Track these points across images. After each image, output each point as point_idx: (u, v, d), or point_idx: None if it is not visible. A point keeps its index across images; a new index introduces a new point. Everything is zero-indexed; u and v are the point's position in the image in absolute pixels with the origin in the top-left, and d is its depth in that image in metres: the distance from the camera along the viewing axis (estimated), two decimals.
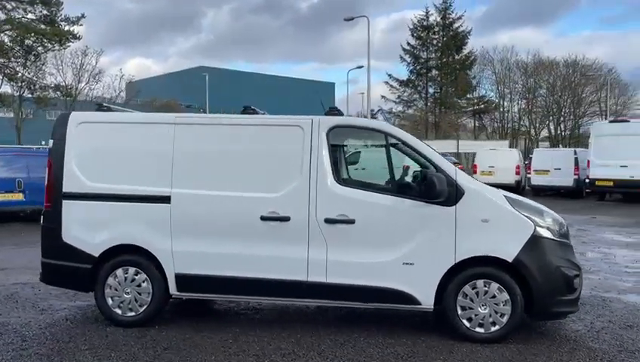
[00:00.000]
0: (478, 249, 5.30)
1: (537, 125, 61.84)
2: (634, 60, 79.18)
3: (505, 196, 5.46)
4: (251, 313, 6.43)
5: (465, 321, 5.35)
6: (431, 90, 52.83)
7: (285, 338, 5.46)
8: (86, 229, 5.82)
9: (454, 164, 9.06)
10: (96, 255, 5.78)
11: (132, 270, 5.78)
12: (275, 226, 5.54)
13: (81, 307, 6.62)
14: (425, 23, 52.41)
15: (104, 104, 6.09)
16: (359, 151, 8.67)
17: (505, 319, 5.29)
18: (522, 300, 5.25)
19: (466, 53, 52.76)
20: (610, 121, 21.99)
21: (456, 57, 52.43)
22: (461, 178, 5.38)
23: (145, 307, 5.77)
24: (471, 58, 52.70)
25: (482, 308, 5.31)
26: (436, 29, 52.60)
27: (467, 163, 37.67)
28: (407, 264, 5.37)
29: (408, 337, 5.46)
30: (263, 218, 5.54)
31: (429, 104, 52.24)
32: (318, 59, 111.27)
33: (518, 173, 24.21)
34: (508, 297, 5.27)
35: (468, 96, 53.33)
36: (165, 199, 5.71)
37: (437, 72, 52.37)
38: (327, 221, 5.46)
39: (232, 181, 5.67)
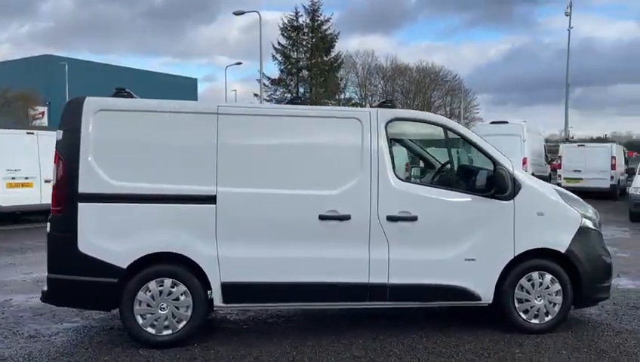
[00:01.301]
0: (535, 241, 5.42)
1: None
2: (465, 68, 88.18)
3: (555, 189, 5.66)
4: (281, 321, 5.93)
5: (521, 313, 5.45)
6: (302, 90, 53.55)
7: (349, 346, 5.12)
8: (110, 237, 4.91)
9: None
10: (124, 266, 4.91)
11: (168, 281, 5.00)
12: (334, 226, 5.16)
13: (77, 329, 5.61)
14: (295, 24, 52.91)
15: (125, 89, 5.18)
16: None
17: (557, 308, 5.48)
18: (572, 289, 5.48)
19: (334, 55, 54.27)
20: (491, 122, 24.04)
21: (325, 59, 53.68)
22: (517, 172, 5.46)
23: (184, 323, 5.03)
24: (339, 60, 54.36)
25: (537, 299, 5.45)
26: (305, 30, 53.39)
27: None
28: (468, 260, 5.32)
29: (467, 334, 5.42)
30: (321, 217, 5.13)
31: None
32: (171, 53, 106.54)
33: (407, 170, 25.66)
34: (560, 287, 5.46)
35: (337, 97, 55.00)
36: (210, 199, 5.03)
37: (307, 73, 53.22)
38: (390, 218, 5.21)
39: (286, 178, 5.16)
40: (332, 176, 5.22)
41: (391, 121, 5.36)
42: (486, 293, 5.37)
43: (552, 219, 5.47)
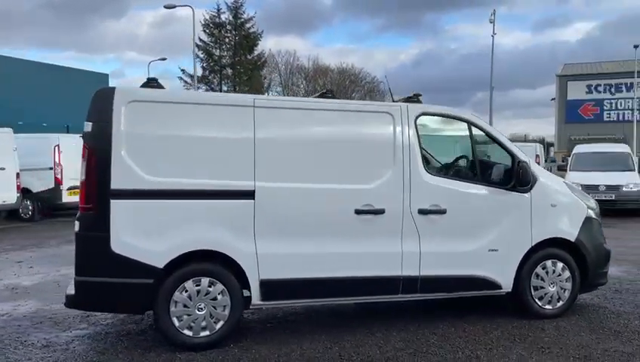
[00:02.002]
0: (549, 231, 5.73)
1: None
2: (377, 71, 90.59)
3: (564, 182, 6.01)
4: (301, 319, 5.86)
5: (537, 300, 5.74)
6: (225, 88, 52.76)
7: (386, 338, 5.16)
8: (145, 235, 4.65)
9: None
10: (161, 266, 4.66)
11: (205, 280, 4.80)
12: (369, 220, 5.19)
13: (92, 336, 5.25)
14: (217, 20, 52.00)
15: (157, 80, 4.89)
16: None
17: (567, 294, 5.82)
18: (579, 275, 5.86)
19: (258, 54, 53.92)
20: None
21: (249, 57, 53.21)
22: (533, 166, 5.74)
23: (221, 323, 4.86)
24: (262, 59, 54.09)
25: (551, 286, 5.76)
26: (228, 27, 52.66)
27: None
28: (492, 251, 5.53)
29: (488, 322, 5.61)
30: (357, 211, 5.14)
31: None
32: (75, 47, 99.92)
33: None
34: (569, 274, 5.82)
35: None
36: (248, 194, 4.88)
37: (231, 71, 52.49)
38: (421, 212, 5.31)
39: (323, 172, 5.12)
40: (366, 170, 5.24)
41: (419, 115, 5.46)
42: (507, 282, 5.61)
43: (563, 210, 5.82)
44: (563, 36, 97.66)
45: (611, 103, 39.27)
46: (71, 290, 4.74)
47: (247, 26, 53.31)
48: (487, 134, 5.72)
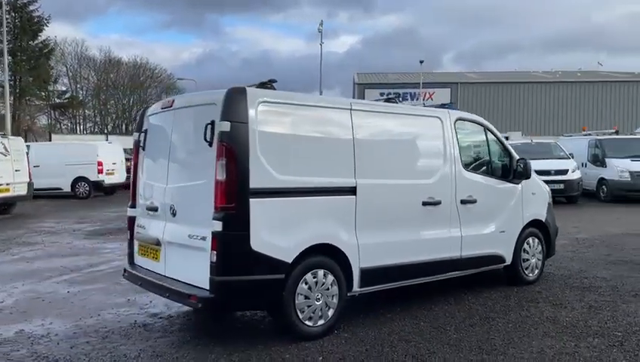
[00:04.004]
0: (532, 214, 7.17)
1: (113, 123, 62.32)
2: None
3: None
4: (349, 304, 6.30)
5: (525, 270, 7.15)
6: (2, 78, 46.04)
7: (450, 313, 5.94)
8: (278, 232, 4.75)
9: None
10: (290, 261, 4.80)
11: (321, 272, 5.06)
12: (430, 210, 5.96)
13: (188, 341, 5.03)
14: None
15: (274, 81, 4.92)
16: None
17: (540, 264, 7.36)
18: (545, 248, 7.44)
19: (43, 40, 48.44)
20: None
21: (32, 44, 47.51)
22: None
23: (332, 312, 5.16)
24: (49, 46, 48.74)
25: (532, 258, 7.23)
26: (7, 7, 46.23)
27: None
28: (502, 232, 6.76)
29: (497, 291, 6.78)
30: (423, 203, 5.88)
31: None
32: None
33: None
34: (541, 248, 7.36)
35: (48, 88, 49.16)
36: (351, 190, 5.28)
37: (11, 58, 46.13)
38: (462, 202, 6.27)
39: (399, 169, 5.75)
40: (427, 166, 6.02)
41: (457, 120, 6.41)
42: (509, 257, 6.89)
43: (538, 197, 7.33)
44: (333, 47, 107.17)
45: None
46: (202, 292, 4.57)
47: (31, 8, 47.53)
48: (496, 136, 6.92)
